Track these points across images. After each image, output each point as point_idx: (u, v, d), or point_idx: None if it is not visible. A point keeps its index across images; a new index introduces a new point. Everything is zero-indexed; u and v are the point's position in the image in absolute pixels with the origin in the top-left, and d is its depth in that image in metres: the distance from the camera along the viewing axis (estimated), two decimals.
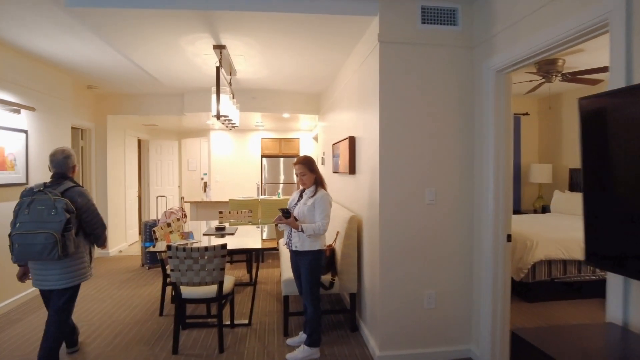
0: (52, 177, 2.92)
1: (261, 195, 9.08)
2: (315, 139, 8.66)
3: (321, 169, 6.75)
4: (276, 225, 3.31)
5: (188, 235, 4.10)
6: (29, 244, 2.62)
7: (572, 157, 6.42)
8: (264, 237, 4.48)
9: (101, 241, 3.10)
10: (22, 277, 2.97)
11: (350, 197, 4.30)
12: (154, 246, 3.92)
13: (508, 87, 3.03)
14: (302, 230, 3.10)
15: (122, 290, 5.09)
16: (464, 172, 3.20)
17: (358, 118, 3.93)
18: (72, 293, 2.97)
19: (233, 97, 5.00)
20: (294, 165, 3.32)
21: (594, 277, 4.65)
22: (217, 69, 3.79)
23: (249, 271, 5.50)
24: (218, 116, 3.82)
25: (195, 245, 3.87)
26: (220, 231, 4.58)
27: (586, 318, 4.06)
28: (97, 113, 7.01)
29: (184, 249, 3.27)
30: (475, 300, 3.19)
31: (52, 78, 5.28)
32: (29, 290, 4.77)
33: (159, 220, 6.42)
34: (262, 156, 9.64)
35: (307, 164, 3.26)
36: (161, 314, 4.20)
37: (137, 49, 4.15)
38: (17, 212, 2.70)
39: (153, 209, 9.23)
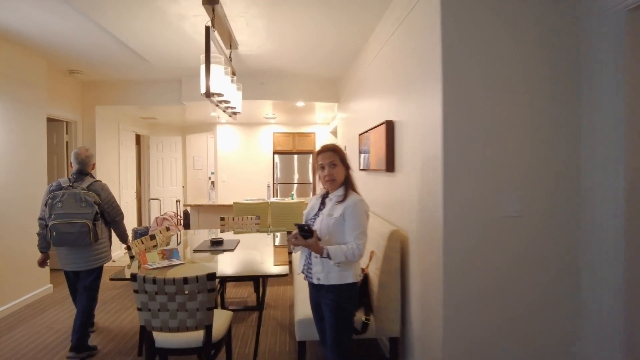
0: (75, 173, 3.28)
1: (272, 197, 8.09)
2: (334, 133, 7.62)
3: None
4: (290, 251, 2.26)
5: (171, 253, 3.10)
6: (66, 232, 3.07)
7: None
8: (274, 251, 3.46)
9: (124, 235, 3.53)
10: (43, 263, 3.38)
11: (386, 203, 3.25)
12: (133, 267, 2.94)
13: None
14: (328, 256, 2.08)
15: (101, 312, 4.13)
16: (565, 170, 2.12)
17: (398, 98, 2.89)
18: (98, 272, 3.35)
19: (234, 76, 3.99)
20: (316, 155, 2.29)
21: None
22: (207, 29, 2.78)
23: (257, 290, 4.48)
24: (208, 94, 2.81)
25: (176, 265, 2.88)
26: (216, 246, 3.57)
27: None
28: (83, 103, 6.10)
29: (154, 281, 2.28)
30: None
31: (19, 60, 4.34)
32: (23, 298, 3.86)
33: (149, 228, 5.49)
34: (274, 153, 8.65)
35: (339, 152, 2.25)
36: (140, 353, 3.22)
37: (115, 18, 3.18)
38: (51, 205, 3.10)
39: (154, 212, 8.32)
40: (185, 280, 2.28)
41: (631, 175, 1.89)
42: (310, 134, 8.68)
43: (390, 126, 2.97)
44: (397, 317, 2.65)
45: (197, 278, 2.29)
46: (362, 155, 4.04)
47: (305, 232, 2.06)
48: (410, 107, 2.62)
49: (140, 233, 5.13)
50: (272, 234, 4.39)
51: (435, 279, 2.15)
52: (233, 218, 4.78)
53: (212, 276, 2.31)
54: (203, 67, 2.86)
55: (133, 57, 4.71)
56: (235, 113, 3.88)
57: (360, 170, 4.12)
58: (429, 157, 2.24)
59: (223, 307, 4.15)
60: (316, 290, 2.27)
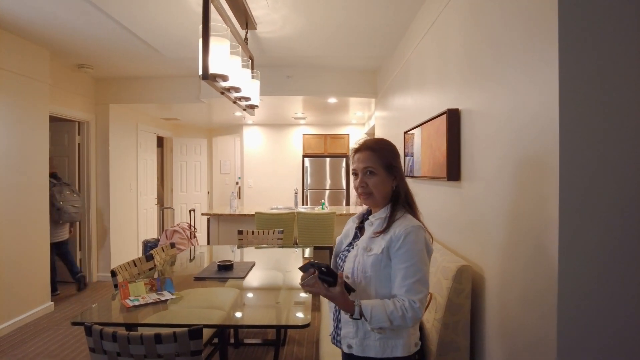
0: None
1: (301, 205, 7.36)
2: (370, 134, 6.82)
3: None
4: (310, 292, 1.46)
5: (163, 282, 2.40)
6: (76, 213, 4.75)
7: None
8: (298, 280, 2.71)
9: None
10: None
11: (447, 224, 2.43)
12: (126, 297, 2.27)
13: None
14: (362, 316, 1.30)
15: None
16: None
17: (466, 81, 2.09)
18: None
19: (250, 60, 3.29)
20: (353, 154, 1.53)
21: None
22: None
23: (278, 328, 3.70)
24: (205, 74, 2.10)
25: (165, 301, 2.16)
26: (223, 272, 2.85)
27: None
28: (96, 102, 5.60)
29: (115, 337, 1.57)
30: None
31: (16, 49, 3.83)
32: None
33: (159, 240, 4.88)
34: (304, 156, 7.93)
35: (383, 153, 1.47)
36: None
37: (119, 2, 2.57)
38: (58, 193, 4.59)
39: (169, 222, 7.77)
40: (158, 338, 1.56)
41: None
42: (344, 135, 7.90)
43: (453, 117, 2.15)
44: None
45: (174, 335, 1.57)
46: (407, 160, 3.23)
47: (326, 276, 1.30)
48: (488, 91, 1.80)
49: (150, 246, 4.52)
50: (300, 250, 3.64)
51: (535, 344, 1.32)
52: (253, 232, 4.07)
53: (195, 333, 1.58)
54: (201, 43, 2.16)
55: (144, 48, 4.13)
56: (251, 107, 3.18)
57: (407, 177, 3.31)
58: (530, 160, 1.42)
59: (236, 341, 3.44)
60: None
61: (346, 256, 1.50)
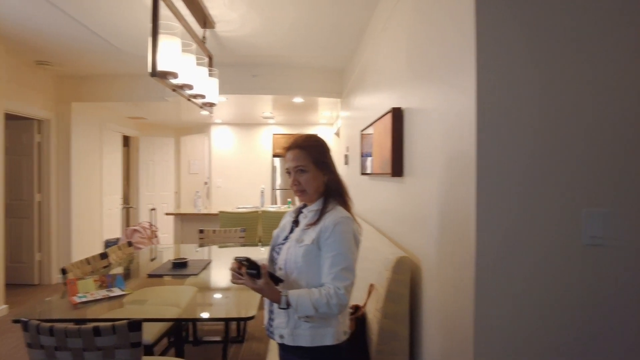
0: None
1: (272, 204, 7.38)
2: (338, 134, 6.90)
3: (345, 174, 4.96)
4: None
5: (114, 279, 2.40)
6: None
7: None
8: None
9: None
10: None
11: (392, 217, 2.51)
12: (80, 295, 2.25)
13: None
14: (289, 305, 1.35)
15: None
16: None
17: (410, 80, 2.16)
18: None
19: (209, 60, 3.31)
20: (285, 152, 1.58)
21: None
22: None
23: (227, 325, 3.63)
24: (154, 72, 2.12)
25: (116, 298, 2.16)
26: (178, 269, 2.85)
27: None
28: (58, 100, 5.47)
29: (52, 331, 1.57)
30: None
31: None
32: None
33: (119, 240, 4.82)
34: (274, 156, 7.94)
35: (313, 150, 1.52)
36: None
37: None
38: None
39: (142, 219, 7.66)
40: (97, 330, 1.57)
41: None
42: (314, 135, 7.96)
43: (397, 115, 2.23)
44: None
45: (113, 328, 1.58)
46: (365, 159, 3.31)
47: (252, 269, 1.35)
48: (426, 89, 1.89)
49: (111, 246, 4.46)
50: (264, 248, 3.67)
51: (463, 331, 1.40)
52: (214, 230, 4.07)
53: (134, 326, 1.60)
54: (150, 41, 2.17)
55: (105, 45, 4.08)
56: (208, 104, 3.18)
57: (362, 175, 3.39)
58: (457, 156, 1.50)
59: (195, 337, 3.44)
60: (282, 351, 1.53)
61: (281, 249, 1.55)
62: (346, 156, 4.86)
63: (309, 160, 1.50)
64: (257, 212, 4.71)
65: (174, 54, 2.28)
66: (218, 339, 3.54)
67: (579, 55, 1.31)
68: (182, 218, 5.25)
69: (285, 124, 7.99)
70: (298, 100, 5.53)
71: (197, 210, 5.30)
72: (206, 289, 2.64)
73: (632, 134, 1.31)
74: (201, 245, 3.98)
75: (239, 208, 5.64)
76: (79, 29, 3.59)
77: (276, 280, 1.41)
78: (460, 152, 1.45)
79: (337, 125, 6.91)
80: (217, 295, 2.56)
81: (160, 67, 2.16)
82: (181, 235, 5.30)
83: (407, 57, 2.20)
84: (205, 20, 3.24)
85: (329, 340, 1.42)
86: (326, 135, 7.96)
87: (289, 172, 1.55)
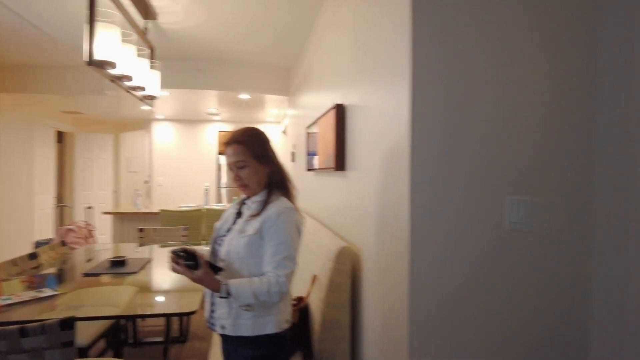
0: None
1: (217, 203, 7.25)
2: (286, 132, 6.92)
3: (292, 170, 4.99)
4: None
5: (44, 280, 2.27)
6: None
7: None
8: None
9: None
10: None
11: (336, 210, 2.57)
12: None
13: None
14: (229, 294, 1.36)
15: None
16: (580, 170, 1.50)
17: (352, 77, 2.23)
18: None
19: (151, 51, 3.22)
20: (224, 146, 1.58)
21: None
22: None
23: (168, 324, 3.54)
24: (90, 60, 2.03)
25: (47, 298, 2.04)
26: (115, 268, 2.75)
27: None
28: None
29: None
30: None
31: None
32: None
33: (51, 240, 4.54)
34: (220, 153, 7.80)
35: (251, 144, 1.53)
36: None
37: None
38: None
39: (78, 219, 7.24)
40: (23, 331, 1.49)
41: None
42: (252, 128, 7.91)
43: (340, 111, 2.30)
44: None
45: (42, 327, 1.50)
46: (311, 157, 3.35)
47: (189, 260, 1.34)
48: (367, 87, 1.96)
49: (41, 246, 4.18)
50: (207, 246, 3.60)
51: (399, 316, 1.47)
52: (155, 229, 3.95)
53: (67, 323, 1.53)
54: (86, 28, 2.07)
55: (36, 33, 3.82)
56: (149, 97, 3.09)
57: (308, 170, 3.43)
58: (390, 149, 1.57)
59: (136, 339, 3.32)
60: (226, 344, 1.54)
61: (223, 241, 1.55)
62: (293, 154, 4.89)
63: (248, 155, 1.51)
64: (200, 210, 4.62)
65: (112, 43, 2.20)
66: (159, 339, 3.44)
67: (498, 59, 1.43)
68: (121, 217, 5.03)
69: (232, 120, 7.86)
70: (244, 96, 5.48)
71: (136, 209, 5.10)
72: (146, 287, 2.57)
73: (545, 130, 1.45)
74: (141, 245, 3.85)
75: (182, 206, 5.50)
76: (6, 14, 3.34)
77: (216, 269, 1.41)
78: (395, 147, 1.53)
79: (284, 123, 6.92)
80: (158, 293, 2.50)
81: (97, 56, 2.07)
82: (120, 235, 5.07)
83: (350, 55, 2.27)
84: (147, 10, 3.14)
85: (270, 329, 1.44)
86: (274, 133, 7.95)
87: (230, 168, 1.55)
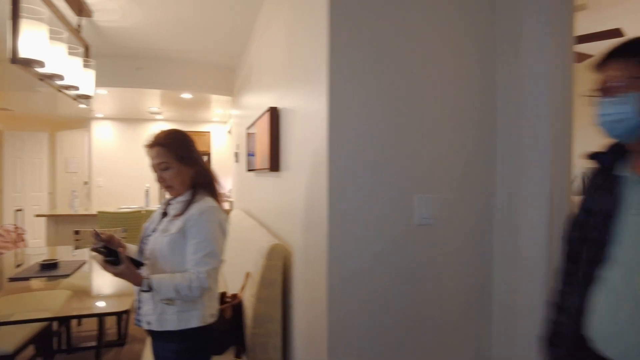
0: None
1: (159, 204, 7.08)
2: (231, 132, 6.89)
3: (236, 171, 5.00)
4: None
5: None
6: None
7: None
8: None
9: None
10: None
11: (272, 210, 2.66)
12: None
13: (569, 9, 1.59)
14: (150, 288, 1.41)
15: None
16: (478, 169, 1.69)
17: (285, 82, 2.33)
18: None
19: (86, 50, 3.15)
20: (147, 148, 1.61)
21: None
22: None
23: (102, 327, 3.45)
24: (15, 59, 1.98)
25: None
26: (47, 271, 2.67)
27: None
28: None
29: None
30: None
31: None
32: None
33: None
34: None
35: (174, 146, 1.58)
36: None
37: None
38: None
39: (6, 222, 6.81)
40: None
41: (551, 177, 1.50)
42: (205, 133, 7.82)
43: (274, 115, 2.38)
44: (277, 356, 2.05)
45: None
46: (251, 157, 3.41)
47: (109, 255, 1.39)
48: (297, 92, 2.06)
49: None
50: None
51: (320, 306, 1.59)
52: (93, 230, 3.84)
53: None
54: (9, 25, 2.02)
55: None
56: (83, 97, 3.02)
57: (248, 171, 3.49)
58: (316, 152, 1.68)
59: (69, 346, 3.23)
60: (152, 339, 1.58)
61: (149, 240, 1.59)
62: (236, 154, 4.91)
63: (170, 157, 1.55)
64: (140, 211, 4.54)
65: (39, 41, 2.15)
66: (94, 343, 3.36)
67: (406, 71, 1.58)
68: (56, 220, 4.82)
69: (175, 120, 7.71)
70: (187, 96, 5.42)
71: (73, 211, 4.92)
72: (81, 289, 2.52)
73: (450, 133, 1.62)
74: (77, 247, 3.73)
75: (121, 208, 5.36)
76: None
77: (137, 264, 1.46)
78: (318, 149, 1.64)
79: (230, 123, 6.90)
80: (93, 295, 2.46)
81: (22, 54, 2.03)
82: (55, 238, 4.86)
83: (282, 61, 2.36)
84: (80, 7, 3.06)
85: (194, 323, 1.50)
86: (220, 133, 7.88)
87: (154, 170, 1.59)
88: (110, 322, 3.84)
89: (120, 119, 7.47)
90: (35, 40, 2.13)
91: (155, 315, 1.49)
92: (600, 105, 1.02)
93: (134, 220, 4.49)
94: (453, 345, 1.67)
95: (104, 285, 2.58)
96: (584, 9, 3.26)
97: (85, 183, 7.58)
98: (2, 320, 1.83)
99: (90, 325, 3.75)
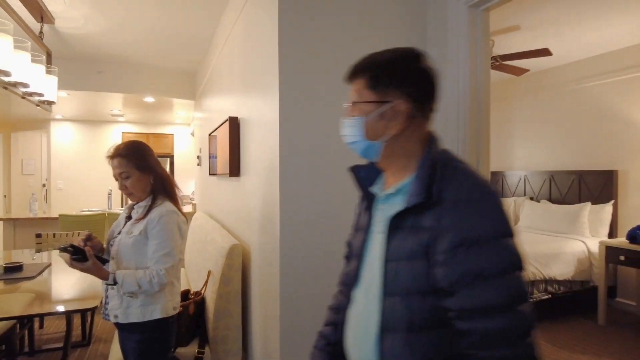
0: None
1: (120, 207, 7.07)
2: (194, 134, 6.97)
3: (199, 174, 5.12)
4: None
5: None
6: None
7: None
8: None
9: None
10: None
11: (231, 212, 2.84)
12: None
13: (486, 35, 1.87)
14: (115, 282, 1.59)
15: None
16: None
17: (243, 92, 2.51)
18: None
19: (48, 56, 3.20)
20: (108, 159, 1.77)
21: (531, 300, 3.85)
22: None
23: (69, 326, 3.52)
24: None
25: None
26: (11, 273, 2.74)
27: None
28: None
29: None
30: None
31: None
32: None
33: None
34: None
35: (133, 156, 1.75)
36: None
37: None
38: None
39: None
40: None
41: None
42: (168, 135, 7.85)
43: (234, 123, 2.56)
44: (237, 347, 2.24)
45: None
46: (213, 160, 3.56)
47: (75, 254, 1.55)
48: (253, 102, 2.25)
49: None
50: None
51: (274, 300, 1.79)
52: (54, 234, 3.88)
53: None
54: None
55: None
56: (47, 102, 3.09)
57: (210, 175, 3.64)
58: (271, 157, 1.88)
59: (31, 349, 3.27)
60: (119, 331, 1.74)
61: (114, 241, 1.75)
62: (199, 157, 5.03)
63: (130, 167, 1.73)
64: (103, 214, 4.58)
65: (4, 52, 2.24)
66: (59, 345, 3.42)
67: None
68: (14, 223, 4.78)
69: (137, 122, 7.69)
70: (149, 99, 5.48)
71: (32, 215, 4.88)
72: (46, 291, 2.60)
73: None
74: (38, 251, 3.76)
75: (83, 211, 5.36)
76: None
77: (102, 261, 1.63)
78: (271, 155, 1.84)
79: (193, 125, 6.96)
80: (60, 293, 2.55)
81: None
82: (12, 242, 4.81)
83: (239, 71, 2.55)
84: (42, 15, 3.12)
85: (157, 314, 1.68)
86: (183, 135, 7.92)
87: (116, 178, 1.75)
88: (76, 324, 3.90)
89: (80, 121, 7.39)
90: (1, 51, 2.22)
91: (121, 309, 1.65)
92: (342, 124, 0.98)
93: (96, 222, 4.53)
94: None
95: (70, 287, 2.68)
96: (518, 29, 3.63)
97: (44, 185, 7.44)
98: None
99: (53, 327, 3.80)
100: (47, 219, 4.83)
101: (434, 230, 0.81)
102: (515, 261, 0.79)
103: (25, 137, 7.82)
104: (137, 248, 1.66)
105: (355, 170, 1.03)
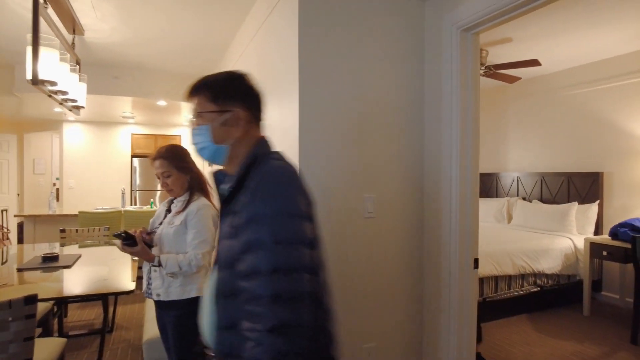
0: None
1: (132, 205, 7.35)
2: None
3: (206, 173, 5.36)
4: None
5: None
6: None
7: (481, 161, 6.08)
8: (123, 266, 3.05)
9: None
10: None
11: None
12: None
13: (476, 55, 2.17)
14: (159, 264, 1.89)
15: None
16: (412, 172, 2.25)
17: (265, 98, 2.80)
18: None
19: (77, 65, 3.48)
20: (151, 160, 2.07)
21: (521, 292, 4.16)
22: (35, 2, 2.34)
23: (106, 310, 3.90)
24: (35, 80, 2.35)
25: None
26: (49, 263, 3.02)
27: (520, 336, 3.44)
28: None
29: None
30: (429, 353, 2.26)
31: None
32: None
33: None
34: (133, 156, 7.86)
35: (173, 158, 2.04)
36: None
37: None
38: None
39: None
40: None
41: (461, 179, 2.08)
42: (176, 136, 8.11)
43: None
44: None
45: (9, 303, 1.86)
46: None
47: (127, 240, 1.85)
48: (273, 107, 2.54)
49: None
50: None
51: None
52: (77, 230, 4.15)
53: (31, 299, 1.90)
54: (29, 50, 2.39)
55: None
56: (77, 107, 3.38)
57: None
58: (291, 155, 2.17)
59: (61, 333, 3.55)
60: (159, 309, 2.04)
61: (157, 230, 2.04)
62: None
63: (171, 167, 2.02)
64: (119, 211, 4.85)
65: (53, 64, 2.52)
66: (85, 331, 3.70)
67: (360, 89, 2.11)
68: (35, 220, 5.05)
69: (146, 124, 7.96)
70: (161, 103, 5.75)
71: (52, 212, 5.15)
72: (82, 276, 2.87)
73: (387, 145, 2.16)
74: (62, 245, 4.03)
75: (97, 209, 5.63)
76: None
77: (149, 246, 1.92)
78: (290, 155, 2.13)
79: None
80: (95, 279, 2.83)
81: (41, 76, 2.40)
82: (33, 237, 5.08)
83: (259, 77, 2.84)
84: (74, 27, 3.41)
85: (194, 293, 1.97)
86: (189, 136, 8.17)
87: (158, 177, 2.04)
88: (97, 312, 4.18)
89: (92, 122, 7.64)
90: (50, 63, 2.50)
91: (163, 289, 1.94)
92: (190, 135, 1.15)
93: (113, 219, 4.80)
94: (390, 315, 2.21)
95: (104, 275, 2.95)
96: (510, 41, 3.93)
97: (54, 184, 7.70)
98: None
99: (75, 317, 4.07)
100: (65, 215, 5.09)
101: (238, 213, 1.01)
102: (289, 236, 0.95)
103: (37, 138, 8.10)
104: (178, 236, 1.95)
105: (215, 174, 1.19)
